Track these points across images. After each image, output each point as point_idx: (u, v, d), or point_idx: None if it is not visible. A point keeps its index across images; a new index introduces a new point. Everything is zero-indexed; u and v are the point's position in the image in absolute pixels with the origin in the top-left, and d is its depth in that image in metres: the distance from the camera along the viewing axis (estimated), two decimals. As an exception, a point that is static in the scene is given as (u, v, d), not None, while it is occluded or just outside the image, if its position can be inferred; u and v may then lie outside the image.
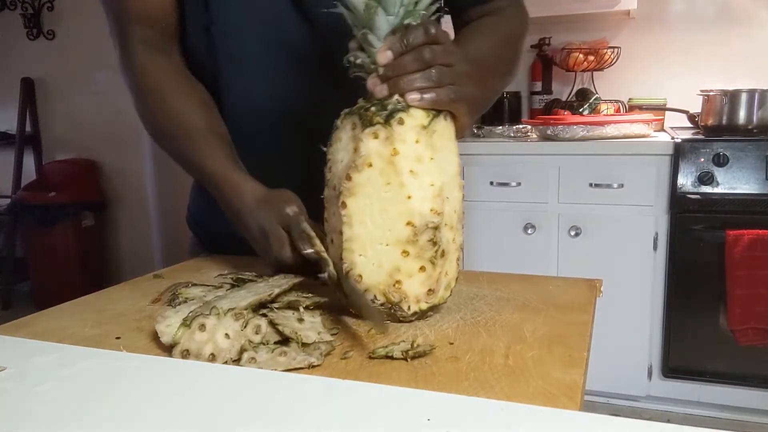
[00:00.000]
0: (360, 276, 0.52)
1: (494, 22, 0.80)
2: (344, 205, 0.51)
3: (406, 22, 0.53)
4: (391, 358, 0.46)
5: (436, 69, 0.53)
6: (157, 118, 0.76)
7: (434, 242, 0.52)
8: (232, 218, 0.70)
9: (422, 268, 0.52)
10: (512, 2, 0.83)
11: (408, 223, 0.51)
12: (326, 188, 0.56)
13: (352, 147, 0.52)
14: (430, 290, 0.53)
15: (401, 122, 0.51)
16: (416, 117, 0.51)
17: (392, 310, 0.53)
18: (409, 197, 0.51)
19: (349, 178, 0.51)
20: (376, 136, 0.51)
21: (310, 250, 0.60)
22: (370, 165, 0.51)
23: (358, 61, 0.54)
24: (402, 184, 0.50)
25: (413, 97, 0.52)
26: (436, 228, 0.52)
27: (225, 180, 0.70)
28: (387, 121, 0.50)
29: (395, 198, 0.51)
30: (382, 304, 0.53)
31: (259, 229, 0.65)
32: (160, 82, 0.76)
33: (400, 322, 0.54)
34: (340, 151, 0.54)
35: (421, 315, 0.54)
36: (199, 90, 0.78)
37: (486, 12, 0.81)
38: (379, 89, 0.53)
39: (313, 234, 0.61)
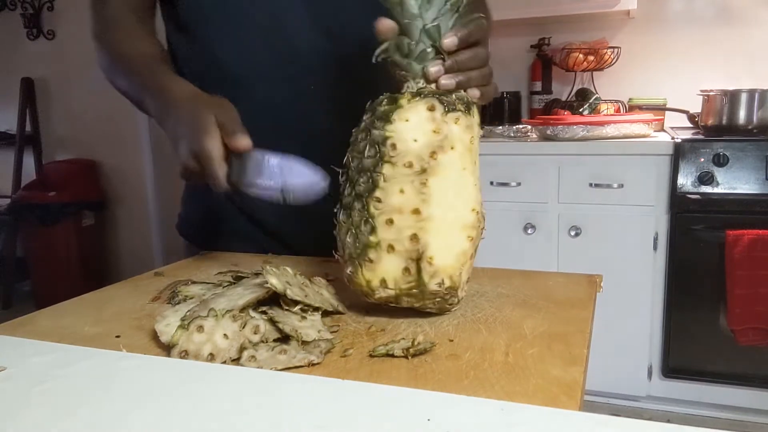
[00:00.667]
0: (432, 258, 0.51)
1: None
2: (425, 183, 0.51)
3: (450, 18, 0.55)
4: (392, 356, 0.46)
5: (487, 68, 0.58)
6: (113, 49, 0.80)
7: (482, 231, 0.55)
8: (164, 114, 0.69)
9: (472, 255, 0.55)
10: None
11: (473, 210, 0.53)
12: (387, 165, 0.52)
13: (429, 128, 0.52)
14: (468, 278, 0.55)
15: (474, 115, 0.54)
16: (476, 113, 0.55)
17: (448, 296, 0.53)
18: (475, 185, 0.54)
19: (434, 156, 0.51)
20: (457, 122, 0.53)
21: (245, 144, 0.59)
22: (453, 148, 0.52)
23: (399, 45, 0.55)
24: (473, 172, 0.54)
25: (476, 93, 0.57)
26: (484, 218, 0.55)
27: (169, 79, 0.71)
28: (467, 111, 0.54)
29: (467, 184, 0.53)
30: (446, 288, 0.52)
31: (191, 116, 0.63)
32: (124, 27, 0.81)
33: (444, 311, 0.55)
34: (410, 130, 0.52)
35: (459, 300, 0.55)
36: (156, 40, 0.82)
37: None
38: (447, 82, 0.55)
39: (245, 132, 0.61)
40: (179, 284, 0.62)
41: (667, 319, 1.99)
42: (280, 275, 0.52)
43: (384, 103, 0.54)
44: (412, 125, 0.52)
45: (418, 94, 0.54)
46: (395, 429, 0.33)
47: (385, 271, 0.52)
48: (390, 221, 0.51)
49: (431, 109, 0.52)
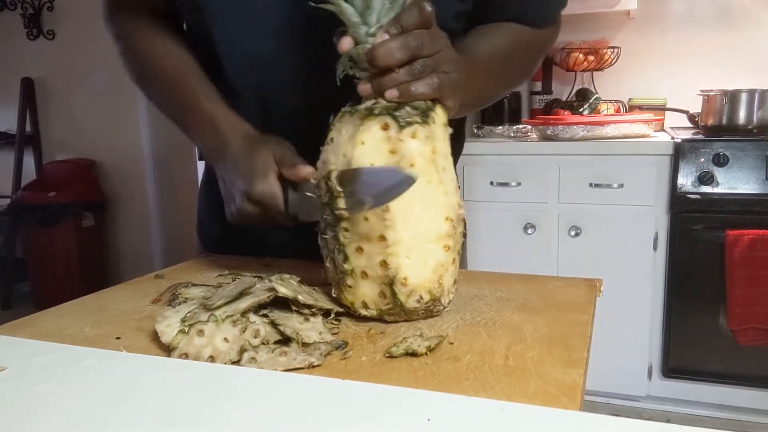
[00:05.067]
0: (406, 278, 0.51)
1: (521, 29, 0.77)
2: (387, 208, 0.50)
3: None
4: (414, 354, 0.46)
5: (420, 62, 0.52)
6: (145, 58, 0.76)
7: (463, 233, 0.55)
8: (216, 155, 0.69)
9: (454, 260, 0.54)
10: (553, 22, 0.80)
11: (447, 218, 0.53)
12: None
13: (385, 149, 0.51)
14: (455, 281, 0.55)
15: (434, 121, 0.52)
16: (440, 114, 0.53)
17: (431, 306, 0.53)
18: (445, 193, 0.52)
19: None
20: (415, 136, 0.51)
21: (307, 172, 0.59)
22: (413, 165, 0.51)
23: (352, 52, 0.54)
24: (440, 181, 0.52)
25: (392, 93, 0.52)
26: (462, 220, 0.55)
27: (221, 116, 0.69)
28: (425, 121, 0.51)
29: (435, 195, 0.52)
30: (426, 302, 0.53)
31: (248, 158, 0.63)
32: (147, 29, 0.76)
33: (432, 317, 0.55)
34: (367, 153, 0.51)
35: (445, 307, 0.55)
36: (182, 40, 0.77)
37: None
38: (391, 95, 0.52)
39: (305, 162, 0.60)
40: (179, 286, 0.62)
41: (667, 319, 1.99)
42: (287, 285, 0.52)
43: None
44: (368, 148, 0.51)
45: (371, 111, 0.52)
46: (395, 429, 0.33)
47: (363, 295, 0.53)
48: (360, 249, 0.52)
49: (385, 128, 0.51)
